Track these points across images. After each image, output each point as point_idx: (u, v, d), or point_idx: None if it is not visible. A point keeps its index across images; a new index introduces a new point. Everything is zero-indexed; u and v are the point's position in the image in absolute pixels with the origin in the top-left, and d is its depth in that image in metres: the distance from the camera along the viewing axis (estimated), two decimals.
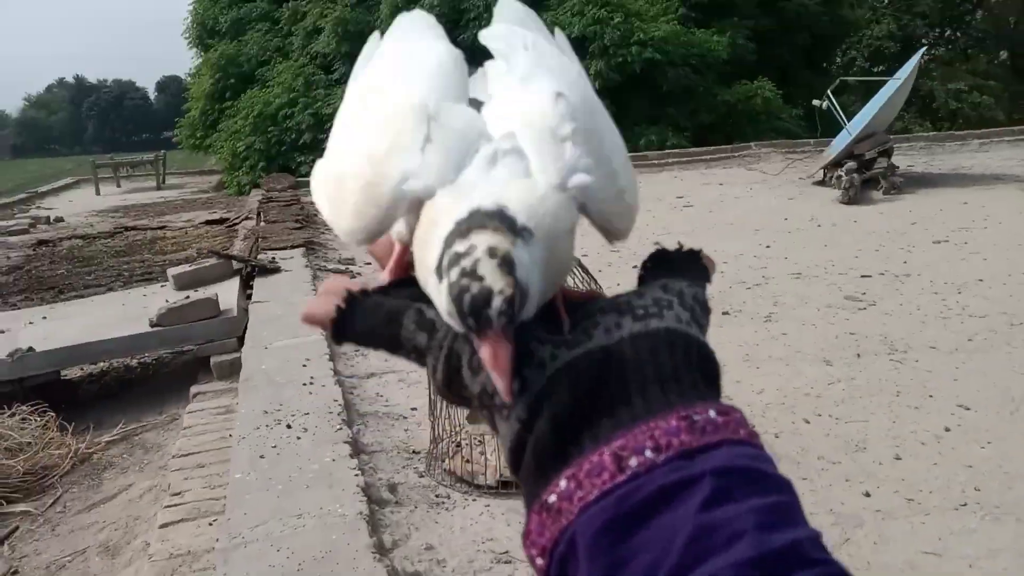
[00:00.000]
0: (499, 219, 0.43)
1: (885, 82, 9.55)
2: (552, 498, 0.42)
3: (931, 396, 3.53)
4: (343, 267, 6.18)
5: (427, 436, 3.07)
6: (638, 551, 0.39)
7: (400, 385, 3.79)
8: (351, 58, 16.10)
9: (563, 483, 0.42)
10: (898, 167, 9.00)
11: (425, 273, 0.46)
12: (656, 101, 15.49)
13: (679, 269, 0.51)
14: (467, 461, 2.88)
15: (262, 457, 2.82)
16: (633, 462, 0.41)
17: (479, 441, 2.94)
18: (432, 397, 2.99)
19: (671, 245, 0.53)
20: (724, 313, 4.80)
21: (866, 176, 8.46)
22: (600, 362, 0.44)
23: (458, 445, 2.98)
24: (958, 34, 21.64)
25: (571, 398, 0.44)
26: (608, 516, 0.40)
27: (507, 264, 0.42)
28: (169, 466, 3.27)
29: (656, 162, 13.72)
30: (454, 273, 0.43)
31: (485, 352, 0.43)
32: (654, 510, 0.40)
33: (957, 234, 6.65)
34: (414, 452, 3.12)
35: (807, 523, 0.41)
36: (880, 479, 2.88)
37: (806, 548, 0.38)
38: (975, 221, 7.11)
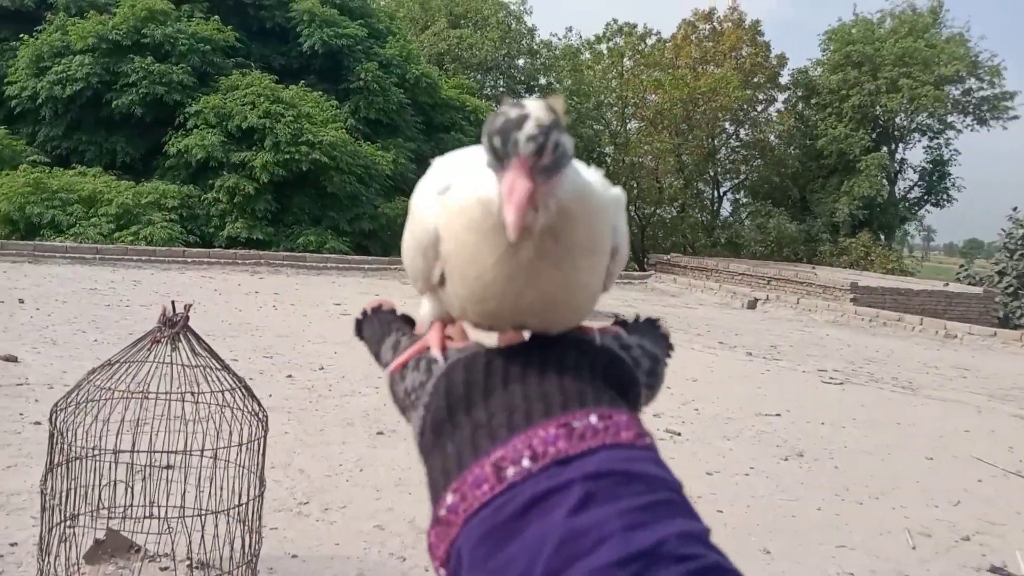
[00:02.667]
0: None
1: None
2: (443, 512, 0.44)
3: None
4: None
5: None
6: (511, 561, 0.40)
7: None
8: None
9: (450, 497, 0.43)
10: None
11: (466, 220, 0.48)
12: (320, 203, 15.62)
13: (637, 332, 0.56)
14: None
15: None
16: (511, 472, 0.42)
17: None
18: (44, 530, 2.53)
19: (629, 317, 0.59)
20: (379, 433, 4.83)
21: None
22: (503, 351, 0.47)
23: None
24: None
25: (466, 373, 0.46)
26: (485, 528, 0.41)
27: (555, 113, 0.43)
28: None
29: (315, 265, 13.66)
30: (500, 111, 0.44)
31: (504, 184, 0.42)
32: (526, 519, 0.41)
33: None
34: None
35: (690, 517, 0.41)
36: None
37: (672, 545, 0.39)
38: None
